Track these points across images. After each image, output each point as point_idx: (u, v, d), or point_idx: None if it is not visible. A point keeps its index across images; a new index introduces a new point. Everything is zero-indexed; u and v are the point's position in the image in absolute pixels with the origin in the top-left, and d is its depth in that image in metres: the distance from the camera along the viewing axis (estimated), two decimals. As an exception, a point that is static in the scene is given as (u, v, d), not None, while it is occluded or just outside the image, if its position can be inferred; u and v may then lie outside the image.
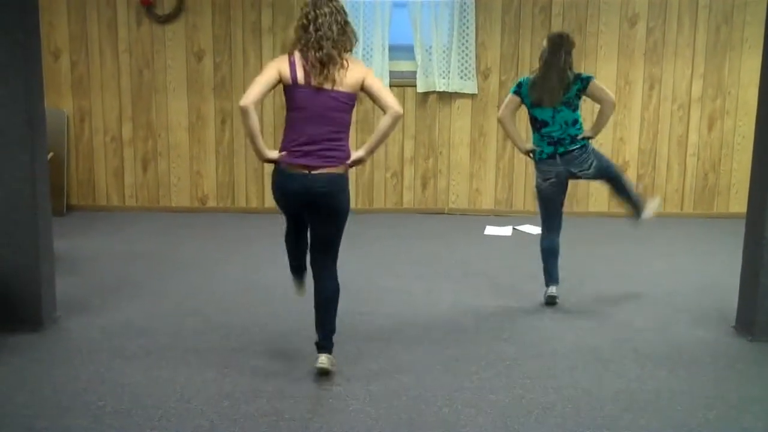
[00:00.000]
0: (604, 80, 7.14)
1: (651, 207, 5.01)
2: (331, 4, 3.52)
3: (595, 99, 4.65)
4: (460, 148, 7.48)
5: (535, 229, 6.85)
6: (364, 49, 7.26)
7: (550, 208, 4.75)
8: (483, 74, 7.37)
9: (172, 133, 7.50)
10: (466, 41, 7.27)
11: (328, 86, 3.49)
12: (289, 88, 3.53)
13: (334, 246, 3.69)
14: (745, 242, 4.40)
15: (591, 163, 4.64)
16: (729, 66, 7.29)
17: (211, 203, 7.61)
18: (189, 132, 7.49)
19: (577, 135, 4.61)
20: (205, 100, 7.43)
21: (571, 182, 4.80)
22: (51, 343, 4.13)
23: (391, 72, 7.31)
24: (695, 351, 4.11)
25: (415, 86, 7.33)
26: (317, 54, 3.45)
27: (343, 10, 3.58)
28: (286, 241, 3.96)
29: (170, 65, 7.38)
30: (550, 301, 4.76)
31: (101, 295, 4.93)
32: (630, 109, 7.30)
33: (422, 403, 3.46)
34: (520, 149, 4.85)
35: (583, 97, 4.66)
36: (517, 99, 4.69)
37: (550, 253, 4.77)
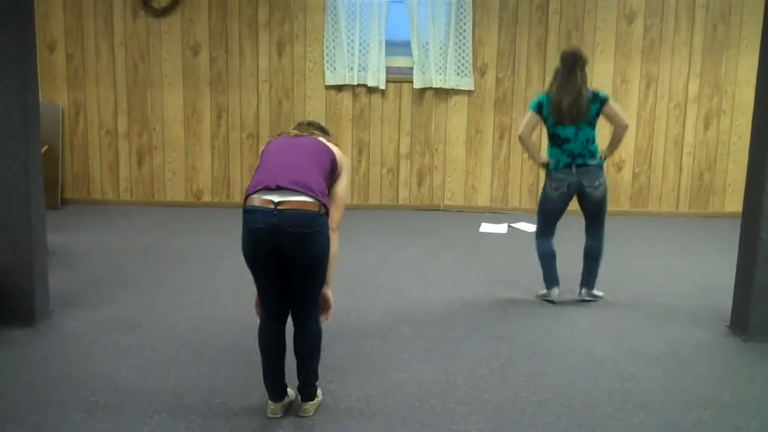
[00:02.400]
0: (601, 78, 7.17)
1: (597, 292, 4.91)
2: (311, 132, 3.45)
3: (609, 120, 4.72)
4: (456, 145, 7.48)
5: (530, 227, 6.85)
6: (360, 45, 7.25)
7: (553, 219, 4.82)
8: (480, 71, 7.36)
9: (168, 127, 7.48)
10: (463, 37, 7.25)
11: (304, 133, 3.40)
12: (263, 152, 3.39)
13: (316, 293, 3.21)
14: (740, 242, 4.40)
15: (601, 183, 4.70)
16: (726, 65, 7.29)
17: (206, 198, 7.59)
18: (184, 126, 7.47)
19: (596, 153, 4.69)
20: (201, 94, 7.41)
21: None
22: (44, 338, 4.12)
23: (387, 68, 7.30)
24: (690, 350, 4.12)
25: (412, 82, 7.32)
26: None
27: (325, 132, 3.50)
28: (260, 339, 3.26)
29: (166, 59, 7.36)
30: (552, 302, 4.85)
31: (95, 290, 4.92)
32: (626, 107, 7.28)
33: (416, 400, 3.45)
34: (536, 162, 4.95)
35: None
36: (538, 117, 4.73)
37: (549, 257, 4.85)
